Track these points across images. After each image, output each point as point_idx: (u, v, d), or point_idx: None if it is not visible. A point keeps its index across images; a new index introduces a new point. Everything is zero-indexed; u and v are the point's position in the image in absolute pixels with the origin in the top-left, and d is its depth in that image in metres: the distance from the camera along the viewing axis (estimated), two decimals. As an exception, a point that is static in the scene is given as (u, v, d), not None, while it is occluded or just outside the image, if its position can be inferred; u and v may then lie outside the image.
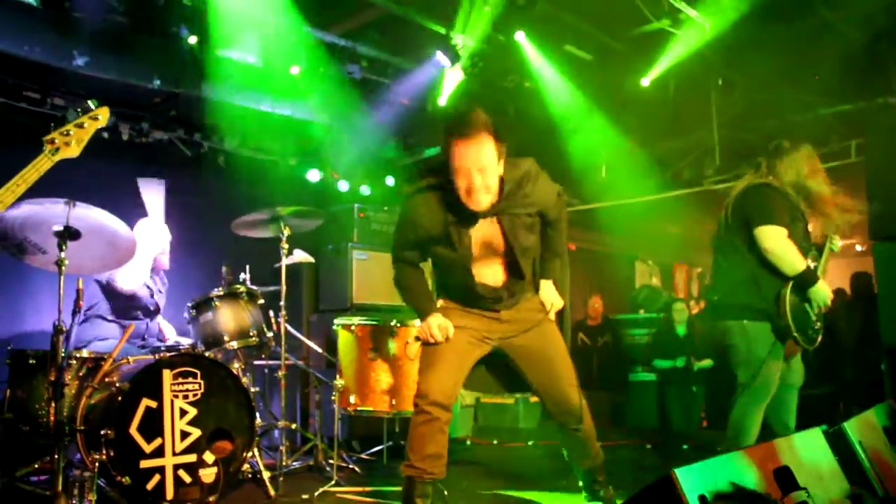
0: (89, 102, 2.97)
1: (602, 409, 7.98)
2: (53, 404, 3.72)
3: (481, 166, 3.02)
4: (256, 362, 5.21)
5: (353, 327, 4.09)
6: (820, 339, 4.05)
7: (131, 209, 4.49)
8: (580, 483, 3.70)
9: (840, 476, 2.51)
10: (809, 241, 4.03)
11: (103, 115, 2.98)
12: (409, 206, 3.34)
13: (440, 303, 3.48)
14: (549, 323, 3.51)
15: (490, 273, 3.36)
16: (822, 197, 4.02)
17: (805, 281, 3.86)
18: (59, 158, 2.85)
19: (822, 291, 3.91)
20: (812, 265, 3.98)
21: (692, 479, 1.52)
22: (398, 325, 4.08)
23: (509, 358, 3.47)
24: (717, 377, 7.73)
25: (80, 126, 2.90)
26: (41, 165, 2.79)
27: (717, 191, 7.93)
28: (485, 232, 3.27)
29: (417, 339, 3.36)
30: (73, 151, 2.90)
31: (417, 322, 3.57)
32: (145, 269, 4.89)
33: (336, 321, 4.28)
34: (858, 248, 12.27)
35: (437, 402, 3.20)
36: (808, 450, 2.07)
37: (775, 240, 3.82)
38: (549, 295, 3.54)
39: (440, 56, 5.89)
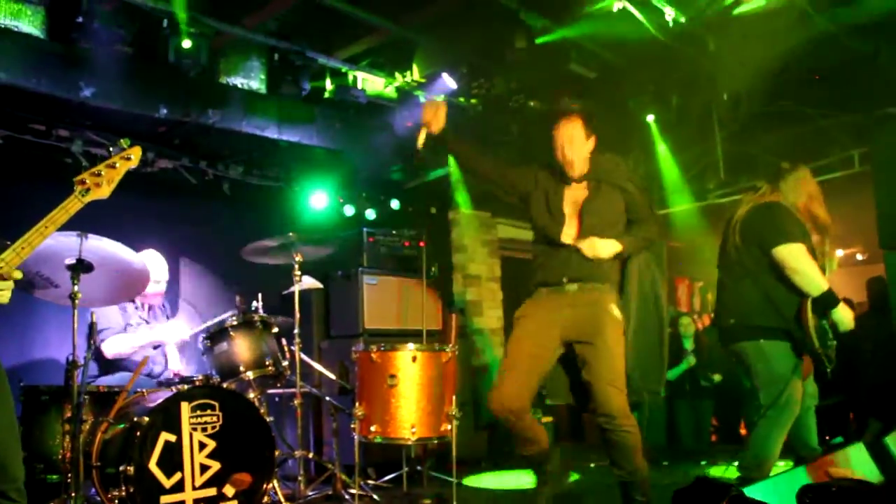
0: (121, 142, 2.91)
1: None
2: (69, 440, 3.67)
3: (574, 145, 3.74)
4: (270, 391, 5.15)
5: (372, 354, 4.04)
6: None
7: (137, 240, 4.44)
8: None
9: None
10: (816, 260, 3.95)
11: (136, 155, 2.92)
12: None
13: (521, 311, 3.84)
14: (608, 318, 3.67)
15: (569, 233, 3.76)
16: (823, 220, 4.01)
17: (828, 301, 3.78)
18: (90, 199, 2.79)
19: (845, 315, 3.83)
20: None
21: (761, 495, 1.49)
22: (417, 350, 4.03)
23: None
24: (725, 392, 7.70)
25: (112, 166, 2.84)
26: (71, 207, 2.73)
27: (721, 204, 7.93)
28: (574, 195, 3.81)
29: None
30: (104, 192, 2.83)
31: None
32: (136, 346, 4.84)
33: (354, 348, 4.23)
34: (859, 256, 12.27)
35: (510, 410, 3.58)
36: (859, 463, 2.04)
37: (798, 258, 3.75)
38: (599, 241, 3.71)
39: (446, 77, 5.89)
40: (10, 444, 2.56)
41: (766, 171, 4.18)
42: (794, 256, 3.76)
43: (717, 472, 5.56)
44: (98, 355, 4.79)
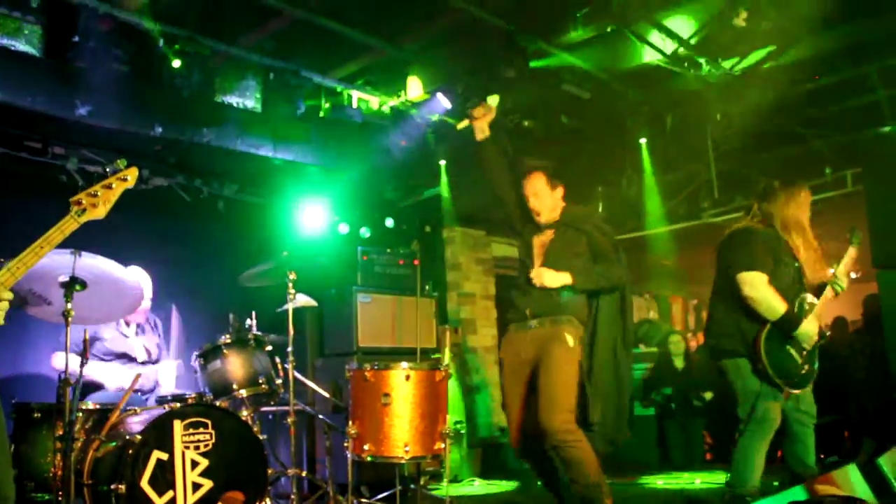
0: (118, 163, 2.91)
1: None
2: (61, 459, 3.65)
3: (538, 195, 4.15)
4: (263, 409, 5.14)
5: (365, 372, 4.04)
6: (811, 380, 4.03)
7: (131, 257, 4.44)
8: None
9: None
10: (802, 281, 4.03)
11: (132, 176, 2.92)
12: None
13: (501, 353, 4.31)
14: (557, 343, 3.94)
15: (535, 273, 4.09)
16: (797, 249, 4.03)
17: (787, 325, 3.90)
18: (86, 220, 2.79)
19: (806, 331, 3.93)
20: (810, 303, 3.99)
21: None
22: (411, 369, 4.03)
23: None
24: (717, 411, 7.68)
25: (108, 187, 2.84)
26: (67, 227, 2.73)
27: (714, 224, 7.95)
28: (541, 239, 4.19)
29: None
30: (100, 213, 2.83)
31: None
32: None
33: (347, 366, 4.23)
34: (853, 275, 12.29)
35: (524, 449, 4.04)
36: (855, 483, 2.05)
37: (754, 286, 3.88)
38: (547, 271, 4.06)
39: (440, 97, 5.92)
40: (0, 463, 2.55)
41: (756, 191, 4.21)
42: (750, 284, 3.89)
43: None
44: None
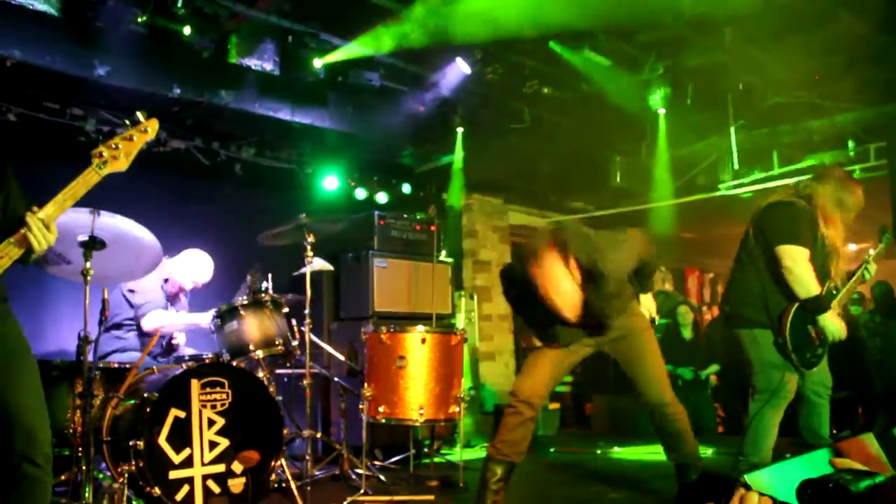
0: (138, 114, 2.89)
1: (620, 414, 7.93)
2: (80, 415, 3.70)
3: (556, 288, 3.34)
4: (278, 371, 5.18)
5: (381, 335, 4.05)
6: (820, 362, 4.01)
7: (148, 219, 4.47)
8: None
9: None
10: (828, 269, 3.98)
11: (152, 128, 2.89)
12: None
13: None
14: (643, 324, 3.92)
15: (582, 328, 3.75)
16: (830, 238, 3.96)
17: (816, 307, 3.86)
18: (107, 172, 2.76)
19: (835, 325, 3.88)
20: (834, 291, 3.96)
21: (770, 481, 1.48)
22: (427, 332, 4.04)
23: (611, 358, 3.97)
24: (728, 382, 7.67)
25: (129, 139, 2.81)
26: (89, 179, 2.70)
27: (733, 196, 7.89)
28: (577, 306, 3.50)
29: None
30: (122, 165, 2.80)
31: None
32: (174, 326, 5.03)
33: (363, 329, 4.25)
34: (872, 252, 12.19)
35: (524, 401, 3.73)
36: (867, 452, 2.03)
37: (795, 259, 3.82)
38: (649, 305, 4.02)
39: (459, 62, 5.87)
40: (38, 412, 2.59)
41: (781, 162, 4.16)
42: (790, 256, 3.82)
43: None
44: (137, 324, 4.96)
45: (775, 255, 3.86)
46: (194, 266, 5.21)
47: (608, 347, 3.89)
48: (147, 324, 4.91)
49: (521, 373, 3.91)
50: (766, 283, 3.93)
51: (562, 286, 3.34)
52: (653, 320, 4.02)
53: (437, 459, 5.67)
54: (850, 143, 7.15)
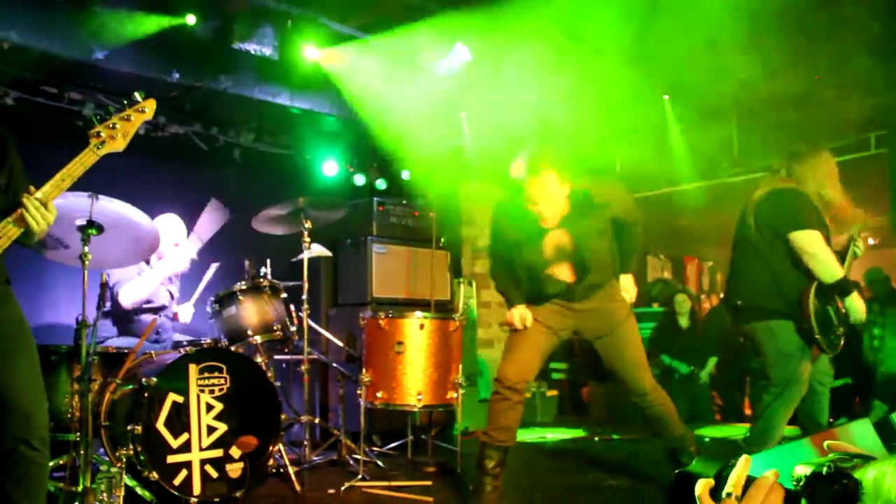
0: (136, 94, 2.88)
1: (617, 400, 7.93)
2: (78, 400, 3.70)
3: (548, 197, 3.68)
4: (276, 356, 5.19)
5: (379, 321, 4.05)
6: (842, 344, 3.98)
7: (147, 204, 4.46)
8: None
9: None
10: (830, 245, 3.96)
11: (150, 108, 2.88)
12: (496, 214, 4.06)
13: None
14: (624, 313, 4.00)
15: (562, 272, 3.88)
16: (836, 203, 3.98)
17: (843, 289, 3.81)
18: (105, 152, 2.76)
19: (858, 305, 3.85)
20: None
21: (764, 465, 1.48)
22: (425, 318, 4.04)
23: (591, 346, 4.06)
24: (725, 370, 7.66)
25: (127, 119, 2.80)
26: (87, 160, 2.70)
27: (733, 184, 7.86)
28: (557, 239, 3.82)
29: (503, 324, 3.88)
30: (119, 145, 2.80)
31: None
32: (151, 286, 4.81)
33: (362, 314, 4.24)
34: (871, 241, 12.20)
35: (510, 386, 3.78)
36: (862, 438, 2.04)
37: (816, 245, 3.77)
38: (628, 287, 4.10)
39: (460, 47, 5.84)
40: (35, 396, 2.59)
41: (782, 152, 4.11)
42: (810, 242, 3.77)
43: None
44: (115, 312, 4.78)
45: (789, 242, 3.81)
46: (165, 228, 4.96)
47: (588, 336, 4.01)
48: (125, 299, 4.74)
49: (504, 358, 3.94)
50: (777, 272, 3.86)
51: (552, 196, 3.70)
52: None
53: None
54: (851, 132, 7.13)
